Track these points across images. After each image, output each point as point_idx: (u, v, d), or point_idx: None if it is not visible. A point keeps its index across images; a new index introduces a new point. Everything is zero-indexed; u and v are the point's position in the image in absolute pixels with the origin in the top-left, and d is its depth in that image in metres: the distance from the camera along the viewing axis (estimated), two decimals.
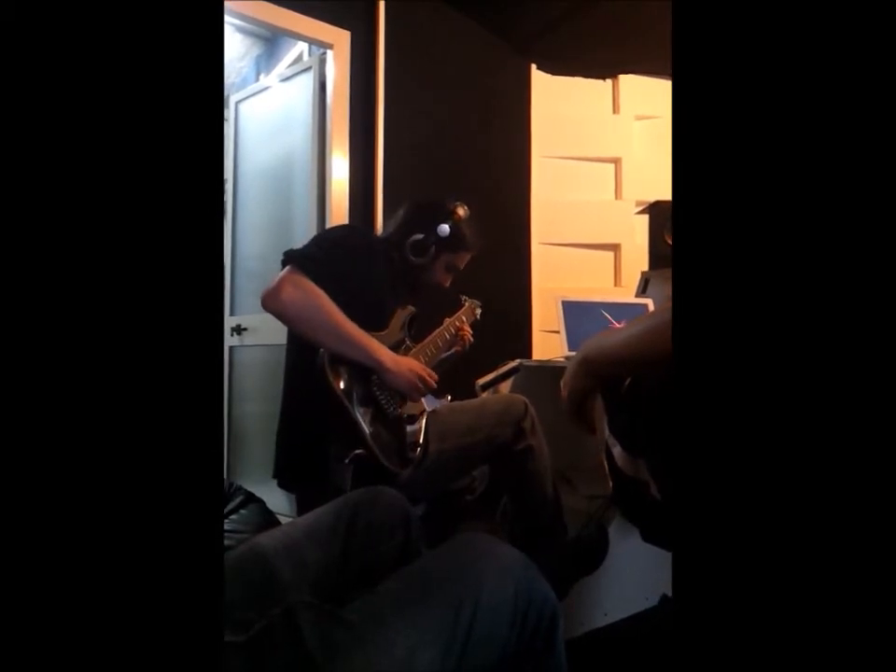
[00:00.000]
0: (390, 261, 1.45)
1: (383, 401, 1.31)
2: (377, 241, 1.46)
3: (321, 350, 1.23)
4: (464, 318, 1.64)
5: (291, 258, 1.26)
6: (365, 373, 1.29)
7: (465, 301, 1.67)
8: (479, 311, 1.68)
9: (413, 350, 1.46)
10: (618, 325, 1.96)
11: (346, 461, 1.22)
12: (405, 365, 1.32)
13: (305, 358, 1.26)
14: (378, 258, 1.40)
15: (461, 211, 1.46)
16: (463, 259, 1.55)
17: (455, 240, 1.46)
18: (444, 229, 1.43)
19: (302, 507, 1.39)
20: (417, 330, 1.53)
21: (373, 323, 1.35)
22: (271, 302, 1.22)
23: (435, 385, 1.38)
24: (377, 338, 1.32)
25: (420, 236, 1.43)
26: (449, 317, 1.63)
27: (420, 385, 1.34)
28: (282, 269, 1.26)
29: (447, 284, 1.55)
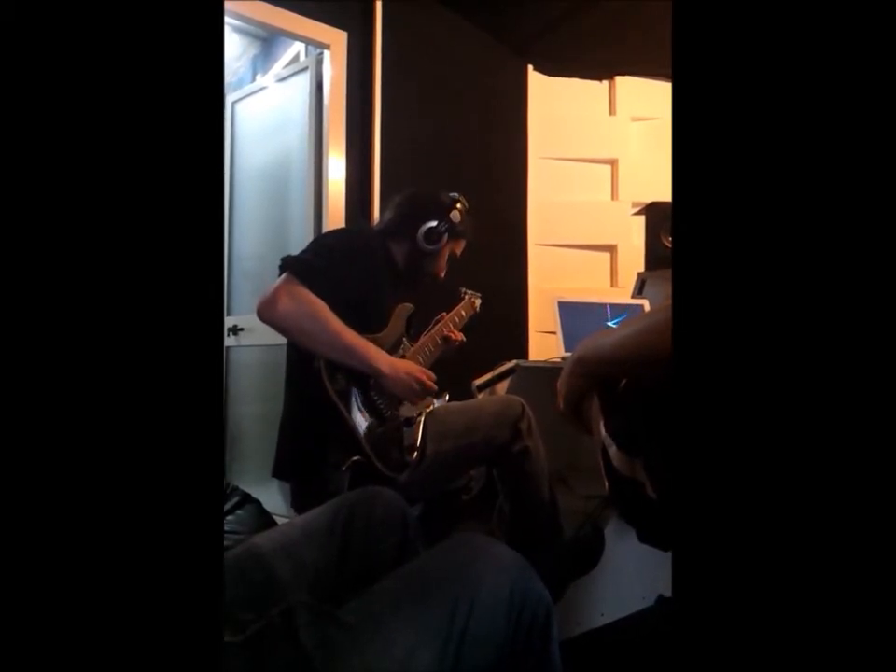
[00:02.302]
0: (390, 256, 1.46)
1: (381, 405, 1.31)
2: (374, 237, 1.46)
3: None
4: (463, 313, 1.64)
5: (288, 265, 1.26)
6: (362, 378, 1.28)
7: (464, 293, 1.68)
8: (478, 302, 1.69)
9: (412, 349, 1.46)
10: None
11: (344, 468, 1.22)
12: (402, 369, 1.32)
13: (304, 361, 1.26)
14: (376, 256, 1.40)
15: (462, 201, 1.50)
16: (461, 247, 1.58)
17: (458, 228, 1.50)
18: (456, 215, 1.46)
19: (298, 500, 1.39)
20: (416, 326, 1.53)
21: (372, 323, 1.35)
22: (267, 314, 1.22)
23: (434, 388, 1.38)
24: (376, 338, 1.32)
25: (434, 223, 1.45)
26: (447, 312, 1.63)
27: (418, 389, 1.34)
28: (278, 275, 1.26)
29: (443, 273, 1.57)
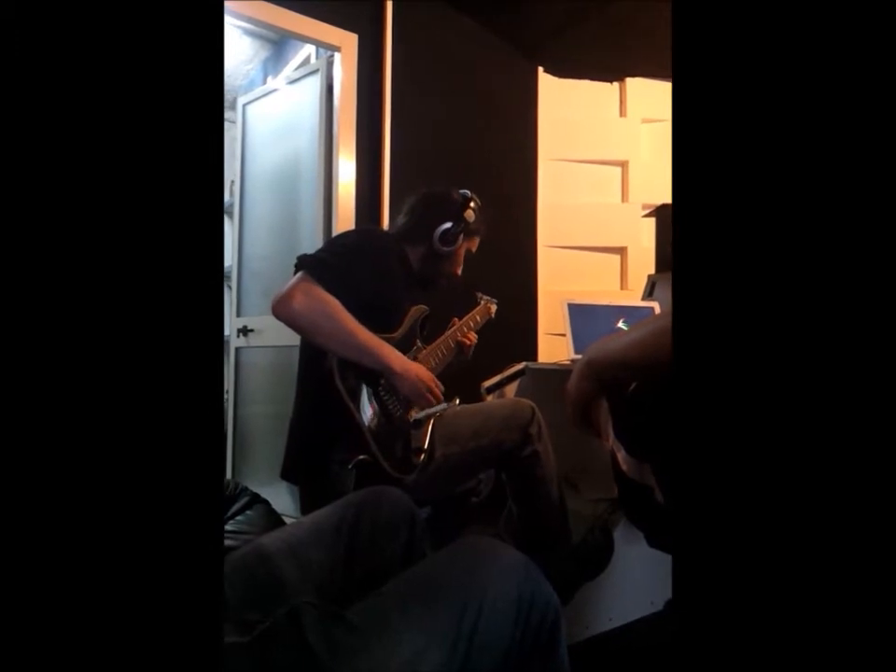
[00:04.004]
0: (405, 259, 1.46)
1: (390, 405, 1.31)
2: (391, 240, 1.47)
3: (329, 353, 1.23)
4: (478, 318, 1.64)
5: (304, 264, 1.26)
6: (373, 377, 1.29)
7: (480, 298, 1.68)
8: (494, 308, 1.68)
9: (424, 352, 1.46)
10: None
11: (350, 466, 1.22)
12: (413, 371, 1.32)
13: (316, 360, 1.26)
14: (393, 258, 1.41)
15: (475, 200, 1.50)
16: (475, 245, 1.58)
17: (472, 227, 1.50)
18: (470, 214, 1.46)
19: (306, 501, 1.39)
20: (429, 330, 1.53)
21: (386, 325, 1.35)
22: (282, 311, 1.22)
23: (441, 396, 1.38)
24: (389, 338, 1.32)
25: (449, 225, 1.45)
26: (461, 317, 1.63)
27: (426, 395, 1.34)
28: (294, 273, 1.26)
29: (459, 271, 1.57)
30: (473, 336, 1.63)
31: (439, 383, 1.38)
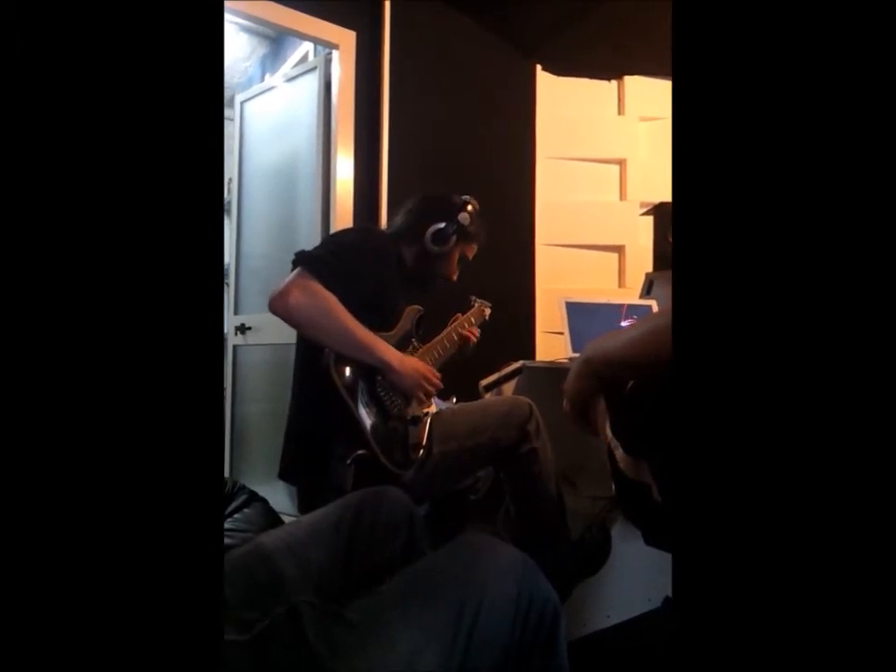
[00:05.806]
0: (401, 259, 1.46)
1: (387, 402, 1.31)
2: (388, 239, 1.47)
3: (326, 349, 1.24)
4: (472, 319, 1.64)
5: (301, 260, 1.26)
6: (371, 373, 1.29)
7: (474, 301, 1.68)
8: (488, 311, 1.69)
9: (420, 351, 1.46)
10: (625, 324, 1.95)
11: (348, 462, 1.22)
12: (410, 366, 1.32)
13: (313, 356, 1.26)
14: (390, 257, 1.41)
15: (472, 204, 1.49)
16: (472, 251, 1.57)
17: (468, 231, 1.49)
18: (465, 217, 1.45)
19: (304, 501, 1.39)
20: (425, 330, 1.53)
21: (382, 323, 1.35)
22: (278, 306, 1.22)
23: (440, 386, 1.38)
24: (384, 338, 1.32)
25: (441, 225, 1.44)
26: (457, 318, 1.63)
27: (425, 386, 1.34)
28: (291, 270, 1.26)
29: (455, 276, 1.56)
30: (476, 331, 1.63)
31: (437, 373, 1.38)
